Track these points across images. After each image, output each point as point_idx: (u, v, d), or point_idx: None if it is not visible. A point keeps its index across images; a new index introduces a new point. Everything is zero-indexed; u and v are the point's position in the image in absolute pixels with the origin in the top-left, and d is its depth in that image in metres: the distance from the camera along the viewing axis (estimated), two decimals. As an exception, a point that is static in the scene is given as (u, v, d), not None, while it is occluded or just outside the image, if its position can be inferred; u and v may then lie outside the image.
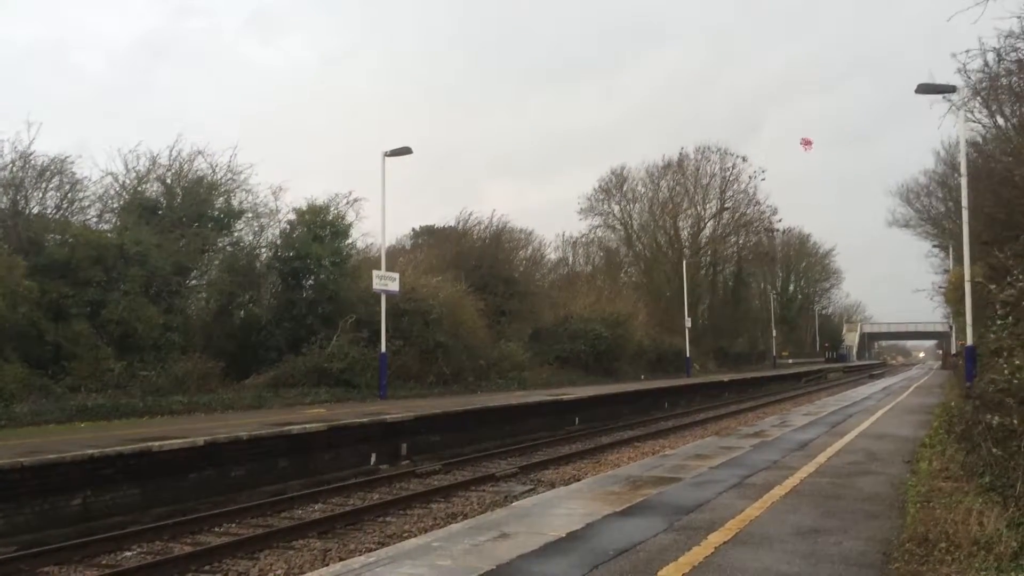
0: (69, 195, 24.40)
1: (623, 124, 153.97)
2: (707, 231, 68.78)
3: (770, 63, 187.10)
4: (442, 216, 39.25)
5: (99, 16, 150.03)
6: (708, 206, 68.25)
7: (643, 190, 67.89)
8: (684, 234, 67.51)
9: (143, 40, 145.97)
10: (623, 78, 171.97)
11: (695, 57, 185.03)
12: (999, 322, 8.64)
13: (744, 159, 68.12)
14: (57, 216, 23.69)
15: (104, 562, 9.22)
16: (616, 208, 67.76)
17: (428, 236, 43.87)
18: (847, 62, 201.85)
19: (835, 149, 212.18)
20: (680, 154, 67.52)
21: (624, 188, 67.72)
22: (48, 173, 23.72)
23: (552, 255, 58.63)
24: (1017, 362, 7.84)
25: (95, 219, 25.05)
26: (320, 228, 27.52)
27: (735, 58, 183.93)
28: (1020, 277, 8.81)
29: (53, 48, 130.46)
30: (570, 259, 63.18)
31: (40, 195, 23.77)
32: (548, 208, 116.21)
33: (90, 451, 11.00)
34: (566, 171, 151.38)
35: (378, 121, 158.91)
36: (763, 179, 68.73)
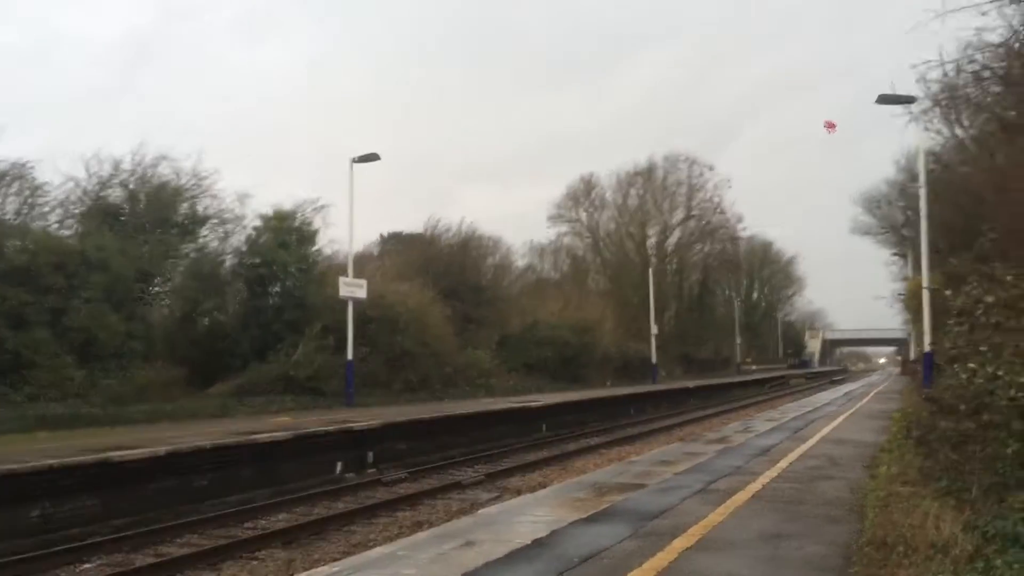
0: (29, 200, 24.00)
1: (602, 134, 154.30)
2: (673, 239, 69.43)
3: (748, 74, 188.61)
4: (419, 223, 39.37)
5: (74, 19, 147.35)
6: (675, 214, 68.94)
7: (611, 197, 68.43)
8: (651, 242, 68.03)
9: (121, 43, 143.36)
10: (606, 86, 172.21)
11: (678, 67, 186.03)
12: (955, 329, 8.84)
13: (711, 168, 69.11)
14: (16, 222, 23.27)
15: (63, 574, 9.08)
16: (584, 215, 68.16)
17: (396, 242, 43.73)
18: (824, 72, 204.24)
19: (809, 157, 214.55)
20: (649, 162, 68.18)
21: (592, 195, 68.15)
22: (8, 178, 23.32)
23: (520, 262, 58.81)
24: (971, 366, 8.02)
25: (56, 225, 24.68)
26: (287, 234, 27.31)
27: (717, 67, 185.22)
28: (975, 284, 9.01)
29: (31, 49, 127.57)
30: (537, 266, 63.44)
31: (-1, 200, 23.39)
32: (523, 215, 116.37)
33: (49, 461, 10.82)
34: (544, 178, 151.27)
35: (356, 127, 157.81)
36: (729, 187, 69.56)
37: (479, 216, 51.64)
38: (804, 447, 13.57)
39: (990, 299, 8.09)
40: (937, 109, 21.42)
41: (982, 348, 8.08)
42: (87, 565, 9.44)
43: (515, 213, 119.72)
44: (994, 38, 13.61)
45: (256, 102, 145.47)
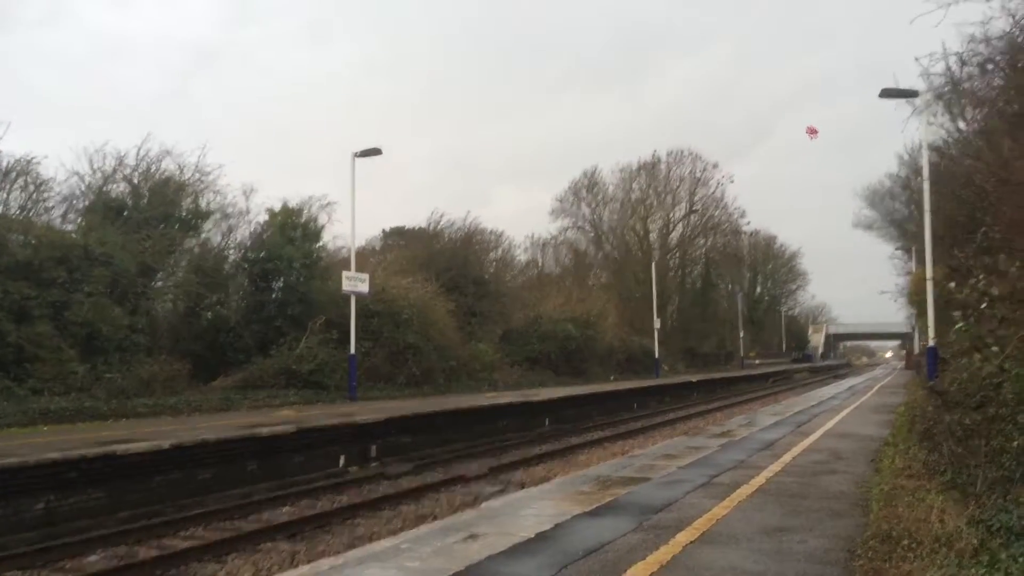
0: (34, 195, 24.02)
1: (630, 137, 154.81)
2: (676, 233, 69.37)
3: (780, 79, 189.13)
4: (447, 220, 39.49)
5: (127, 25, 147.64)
6: (677, 208, 68.85)
7: (614, 191, 68.37)
8: (653, 236, 67.95)
9: (173, 48, 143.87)
10: (636, 89, 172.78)
11: (709, 74, 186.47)
12: (959, 323, 8.81)
13: (715, 165, 69.03)
14: (21, 217, 23.28)
15: (68, 566, 9.08)
16: (587, 210, 68.10)
17: (399, 237, 43.72)
18: (851, 73, 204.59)
19: (828, 155, 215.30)
20: (652, 156, 68.11)
21: (595, 190, 68.09)
22: (13, 174, 23.34)
23: (522, 256, 58.83)
24: (977, 359, 8.00)
25: (59, 219, 24.71)
26: (292, 230, 27.34)
27: (749, 71, 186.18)
28: (980, 277, 8.98)
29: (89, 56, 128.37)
30: (539, 261, 63.40)
31: (4, 195, 23.40)
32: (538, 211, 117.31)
33: (53, 455, 10.83)
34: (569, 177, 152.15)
35: (381, 123, 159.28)
36: (732, 182, 69.51)
37: (510, 215, 52.08)
38: (808, 441, 13.55)
39: (995, 292, 8.06)
40: (940, 103, 21.39)
41: (987, 341, 8.05)
42: (92, 558, 9.45)
43: (535, 211, 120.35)
44: (997, 31, 13.59)
45: (294, 104, 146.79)
